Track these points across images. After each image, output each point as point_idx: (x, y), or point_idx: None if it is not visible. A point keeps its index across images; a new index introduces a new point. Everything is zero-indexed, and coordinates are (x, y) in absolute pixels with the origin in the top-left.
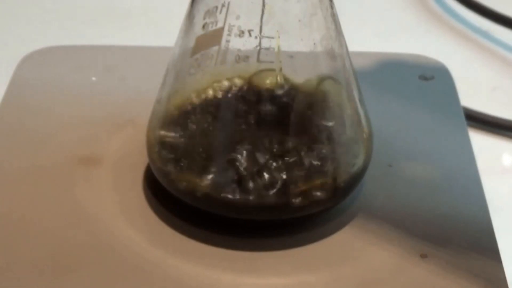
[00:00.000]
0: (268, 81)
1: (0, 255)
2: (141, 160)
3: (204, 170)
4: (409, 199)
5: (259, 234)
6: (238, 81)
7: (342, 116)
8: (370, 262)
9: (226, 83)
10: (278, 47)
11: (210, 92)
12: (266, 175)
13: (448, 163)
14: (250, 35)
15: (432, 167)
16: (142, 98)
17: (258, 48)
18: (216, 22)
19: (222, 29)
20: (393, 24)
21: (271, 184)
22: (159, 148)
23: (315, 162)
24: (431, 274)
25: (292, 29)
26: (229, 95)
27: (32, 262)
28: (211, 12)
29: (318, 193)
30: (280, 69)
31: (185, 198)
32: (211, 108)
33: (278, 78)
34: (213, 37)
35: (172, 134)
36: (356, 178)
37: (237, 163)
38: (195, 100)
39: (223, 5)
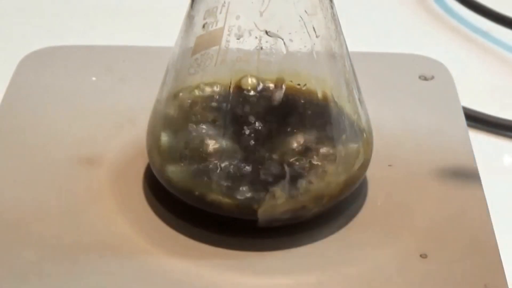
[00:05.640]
0: (268, 82)
1: (0, 255)
2: (141, 160)
3: (204, 170)
4: (409, 199)
5: (259, 234)
6: (237, 82)
7: (342, 116)
8: (370, 262)
9: (225, 84)
10: (278, 47)
11: (210, 92)
12: (265, 176)
13: (448, 163)
14: (250, 35)
15: (432, 167)
16: (142, 98)
17: (258, 48)
18: (216, 22)
19: (222, 29)
20: (393, 24)
21: (271, 184)
22: (159, 148)
23: (315, 162)
24: (431, 274)
25: (292, 29)
26: (229, 96)
27: (32, 262)
28: (211, 12)
29: (318, 193)
30: (279, 70)
31: (185, 198)
32: (211, 108)
33: (277, 79)
34: (213, 37)
35: (172, 134)
36: (356, 178)
37: (237, 164)
38: (195, 100)
39: (223, 5)
